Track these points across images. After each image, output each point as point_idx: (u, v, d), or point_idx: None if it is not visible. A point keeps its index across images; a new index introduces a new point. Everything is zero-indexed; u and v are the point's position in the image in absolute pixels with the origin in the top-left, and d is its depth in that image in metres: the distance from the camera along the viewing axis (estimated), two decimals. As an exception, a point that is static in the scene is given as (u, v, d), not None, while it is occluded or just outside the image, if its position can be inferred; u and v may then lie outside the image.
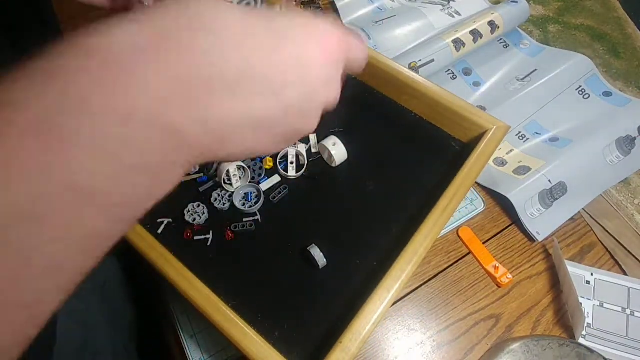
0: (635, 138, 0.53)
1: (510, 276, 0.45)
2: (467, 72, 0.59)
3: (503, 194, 0.49)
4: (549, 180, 0.50)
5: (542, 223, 0.48)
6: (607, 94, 0.57)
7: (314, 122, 0.22)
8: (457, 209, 0.48)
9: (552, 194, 0.49)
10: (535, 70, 0.57)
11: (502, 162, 0.52)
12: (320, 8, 0.64)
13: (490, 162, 0.52)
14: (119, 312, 0.49)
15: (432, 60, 0.56)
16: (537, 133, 0.54)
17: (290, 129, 0.21)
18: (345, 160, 0.43)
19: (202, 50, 0.17)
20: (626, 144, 0.53)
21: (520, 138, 0.53)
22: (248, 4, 0.34)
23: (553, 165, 0.51)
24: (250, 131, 0.19)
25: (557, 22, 0.67)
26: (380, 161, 0.44)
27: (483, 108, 0.53)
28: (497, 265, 0.45)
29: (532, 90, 0.55)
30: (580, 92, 0.56)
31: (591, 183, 0.50)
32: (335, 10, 0.65)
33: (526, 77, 0.56)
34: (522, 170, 0.51)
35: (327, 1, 0.66)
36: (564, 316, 0.44)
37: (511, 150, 0.53)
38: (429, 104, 0.45)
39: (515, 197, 0.48)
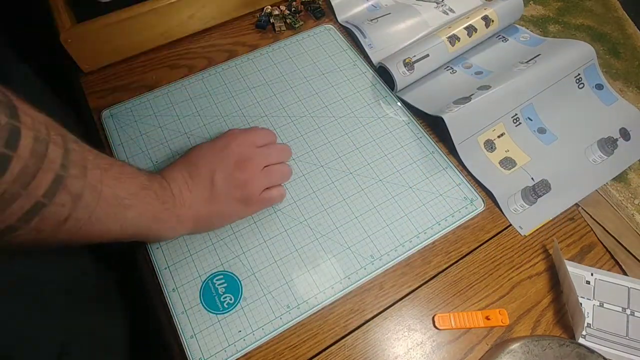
0: (617, 139, 0.53)
1: (503, 312, 0.44)
2: (467, 66, 0.59)
3: (489, 188, 0.50)
4: (532, 178, 0.51)
5: (525, 219, 0.49)
6: (599, 86, 0.57)
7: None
8: (457, 209, 0.48)
9: (535, 191, 0.50)
10: (539, 54, 0.57)
11: (491, 146, 0.52)
12: (320, 8, 0.64)
13: (481, 145, 0.52)
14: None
15: (427, 55, 0.56)
16: (529, 119, 0.54)
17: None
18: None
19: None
20: (608, 144, 0.53)
21: (515, 121, 0.53)
22: None
23: (537, 162, 0.52)
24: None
25: (557, 22, 0.67)
26: None
27: (487, 87, 0.53)
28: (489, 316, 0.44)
29: (536, 72, 0.54)
30: (577, 81, 0.56)
31: (575, 182, 0.51)
32: (330, 8, 0.65)
33: (530, 60, 0.56)
34: (508, 163, 0.52)
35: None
36: (564, 316, 0.44)
37: (502, 134, 0.53)
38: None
39: (498, 192, 0.49)
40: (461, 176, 0.51)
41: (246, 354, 0.40)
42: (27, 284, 0.37)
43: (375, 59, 0.59)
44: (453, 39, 0.57)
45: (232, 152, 0.43)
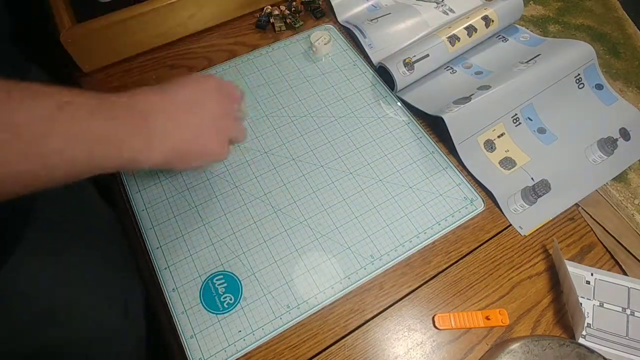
0: (617, 139, 0.54)
1: (503, 312, 0.44)
2: (467, 66, 0.59)
3: (489, 188, 0.50)
4: (532, 178, 0.51)
5: (525, 219, 0.49)
6: (599, 86, 0.57)
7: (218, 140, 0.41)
8: (457, 209, 0.48)
9: (534, 191, 0.50)
10: (539, 54, 0.57)
11: (491, 146, 0.52)
12: (320, 8, 0.64)
13: (481, 145, 0.52)
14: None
15: (427, 55, 0.56)
16: (529, 119, 0.54)
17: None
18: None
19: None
20: (608, 144, 0.53)
21: (515, 121, 0.53)
22: None
23: (537, 162, 0.52)
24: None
25: (557, 22, 0.67)
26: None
27: (487, 87, 0.53)
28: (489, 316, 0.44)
29: (536, 72, 0.54)
30: (577, 81, 0.56)
31: (575, 182, 0.51)
32: (330, 8, 0.65)
33: (530, 60, 0.56)
34: (508, 163, 0.52)
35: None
36: (564, 316, 0.44)
37: (502, 134, 0.53)
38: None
39: (498, 192, 0.49)
40: (461, 176, 0.51)
41: (246, 354, 0.40)
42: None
43: (375, 59, 0.59)
44: (453, 39, 0.57)
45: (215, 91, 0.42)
